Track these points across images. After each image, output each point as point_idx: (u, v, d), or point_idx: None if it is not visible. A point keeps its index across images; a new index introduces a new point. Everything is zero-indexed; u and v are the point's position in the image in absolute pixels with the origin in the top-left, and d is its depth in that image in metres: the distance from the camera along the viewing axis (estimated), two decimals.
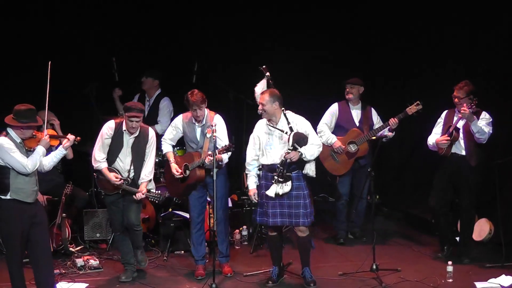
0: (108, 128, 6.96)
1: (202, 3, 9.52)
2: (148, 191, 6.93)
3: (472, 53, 8.46)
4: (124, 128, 6.92)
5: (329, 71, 9.70)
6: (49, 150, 6.32)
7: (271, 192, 6.56)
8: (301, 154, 6.55)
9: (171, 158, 7.14)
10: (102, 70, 9.17)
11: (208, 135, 6.87)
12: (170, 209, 8.09)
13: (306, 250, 6.85)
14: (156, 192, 6.96)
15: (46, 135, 6.24)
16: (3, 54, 8.75)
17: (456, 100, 7.31)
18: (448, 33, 8.74)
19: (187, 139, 7.14)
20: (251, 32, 9.60)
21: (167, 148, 7.24)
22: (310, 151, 6.61)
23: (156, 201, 7.00)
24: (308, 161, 6.67)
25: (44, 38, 8.99)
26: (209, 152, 6.77)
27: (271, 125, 6.68)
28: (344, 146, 8.03)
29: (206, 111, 7.07)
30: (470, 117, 7.14)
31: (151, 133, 7.06)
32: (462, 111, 7.09)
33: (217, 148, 6.70)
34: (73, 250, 7.85)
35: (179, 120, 7.19)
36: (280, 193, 6.55)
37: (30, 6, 8.99)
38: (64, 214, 7.83)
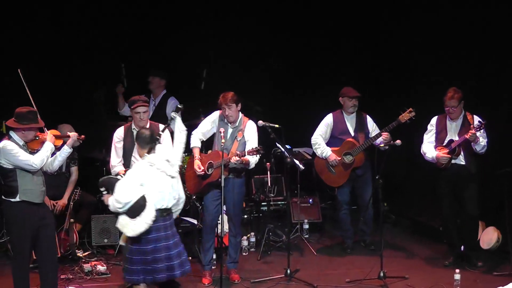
0: (117, 132, 7.02)
1: (205, 7, 9.58)
2: None
3: (465, 59, 8.49)
4: (133, 127, 6.95)
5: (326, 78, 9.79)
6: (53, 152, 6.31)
7: None
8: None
9: (197, 154, 7.03)
10: (110, 76, 9.20)
11: (239, 138, 6.88)
12: (177, 216, 8.07)
13: None
14: None
15: (47, 132, 6.22)
16: (9, 58, 8.79)
17: (449, 109, 7.37)
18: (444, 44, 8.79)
19: (216, 138, 7.11)
20: (253, 35, 9.64)
21: (195, 142, 7.08)
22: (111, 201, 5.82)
23: None
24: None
25: (50, 43, 9.04)
26: (237, 152, 6.77)
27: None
28: (339, 158, 7.95)
29: (241, 115, 7.07)
30: (476, 139, 7.22)
31: (162, 127, 6.92)
32: (470, 133, 7.14)
33: (243, 150, 6.77)
34: (81, 255, 7.87)
35: (216, 115, 7.13)
36: None
37: (35, 11, 9.03)
38: (72, 220, 7.85)
